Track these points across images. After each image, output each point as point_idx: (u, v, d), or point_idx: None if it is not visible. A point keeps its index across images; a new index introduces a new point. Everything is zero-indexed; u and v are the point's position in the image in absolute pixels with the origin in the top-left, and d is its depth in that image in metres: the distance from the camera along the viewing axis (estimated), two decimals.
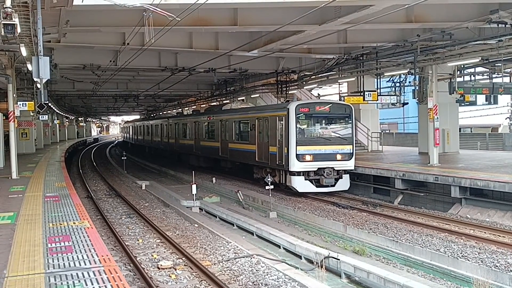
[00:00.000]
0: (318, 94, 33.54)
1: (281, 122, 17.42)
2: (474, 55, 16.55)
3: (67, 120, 59.19)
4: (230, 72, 24.83)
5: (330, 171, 16.96)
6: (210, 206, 16.72)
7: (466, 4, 14.64)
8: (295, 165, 16.72)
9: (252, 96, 31.29)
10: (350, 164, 17.42)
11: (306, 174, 16.95)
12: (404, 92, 24.40)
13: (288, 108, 17.09)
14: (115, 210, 16.08)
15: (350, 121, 17.84)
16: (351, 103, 19.04)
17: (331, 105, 18.24)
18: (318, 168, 16.93)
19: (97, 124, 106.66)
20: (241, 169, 22.23)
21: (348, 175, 17.50)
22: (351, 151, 17.48)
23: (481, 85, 20.22)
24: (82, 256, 6.44)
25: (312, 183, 16.96)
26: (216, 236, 11.87)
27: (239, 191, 17.98)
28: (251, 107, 25.69)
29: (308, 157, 16.81)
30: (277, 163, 17.62)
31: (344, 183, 17.31)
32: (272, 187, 15.71)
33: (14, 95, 16.56)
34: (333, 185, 17.05)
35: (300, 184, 16.92)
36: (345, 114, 17.92)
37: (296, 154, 16.68)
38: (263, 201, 16.58)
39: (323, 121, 18.02)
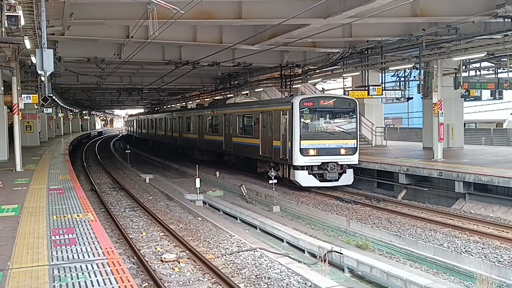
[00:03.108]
0: (323, 89, 33.40)
1: (285, 116, 17.39)
2: (480, 49, 16.44)
3: (71, 113, 59.37)
4: (234, 66, 24.77)
5: (333, 165, 16.94)
6: (213, 199, 16.75)
7: None
8: (298, 160, 16.71)
9: (256, 90, 31.24)
10: (354, 159, 17.39)
11: (309, 168, 16.93)
12: (408, 87, 24.39)
13: (292, 102, 17.05)
14: (119, 203, 16.13)
15: (354, 116, 17.79)
16: (355, 98, 18.94)
17: (335, 99, 18.16)
18: (322, 163, 16.93)
19: (101, 118, 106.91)
20: (245, 163, 22.23)
21: (351, 169, 17.48)
22: (355, 146, 17.45)
23: (486, 80, 20.12)
24: (86, 248, 6.46)
25: (315, 177, 16.95)
26: (219, 230, 11.89)
27: (243, 185, 17.98)
28: (255, 101, 25.67)
29: (311, 152, 16.79)
30: (281, 157, 17.60)
31: (347, 178, 17.30)
32: (275, 181, 15.71)
33: (18, 88, 16.60)
34: (337, 180, 17.06)
35: (304, 179, 16.91)
36: (349, 108, 17.86)
37: (300, 149, 16.66)
38: (267, 195, 16.59)
39: (327, 116, 17.94)
